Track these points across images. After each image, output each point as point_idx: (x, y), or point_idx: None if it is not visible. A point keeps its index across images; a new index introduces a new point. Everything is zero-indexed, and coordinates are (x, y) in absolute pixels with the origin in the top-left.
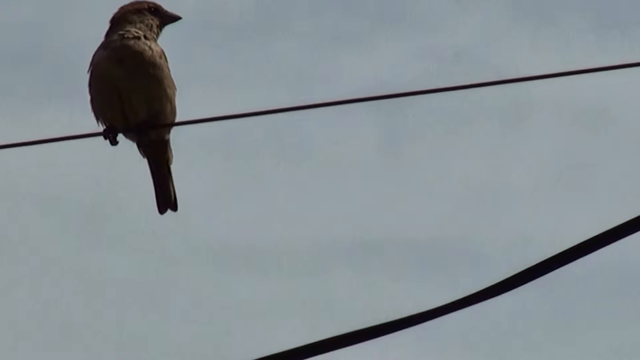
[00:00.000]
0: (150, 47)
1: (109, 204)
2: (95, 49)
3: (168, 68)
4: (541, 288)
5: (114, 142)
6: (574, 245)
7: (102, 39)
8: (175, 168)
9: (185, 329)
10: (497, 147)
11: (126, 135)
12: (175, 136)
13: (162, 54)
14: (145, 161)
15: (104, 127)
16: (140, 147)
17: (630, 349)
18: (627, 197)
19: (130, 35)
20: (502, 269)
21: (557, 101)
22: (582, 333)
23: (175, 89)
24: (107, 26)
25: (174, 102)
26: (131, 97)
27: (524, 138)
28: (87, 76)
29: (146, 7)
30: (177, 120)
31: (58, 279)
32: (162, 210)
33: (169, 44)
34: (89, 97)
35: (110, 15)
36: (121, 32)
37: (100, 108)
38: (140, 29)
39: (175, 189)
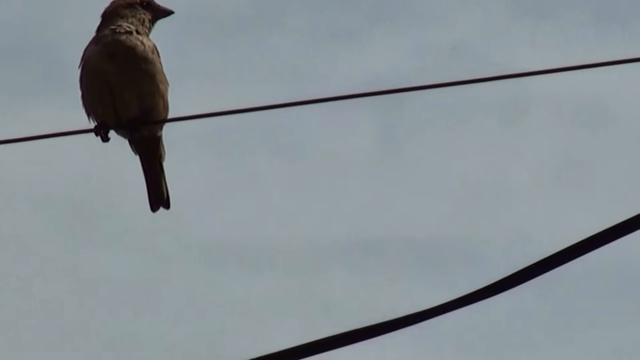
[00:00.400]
0: (142, 42)
1: (100, 201)
2: (86, 43)
3: (160, 63)
4: (540, 287)
5: (105, 139)
6: (573, 244)
7: (93, 33)
8: (168, 165)
9: (178, 329)
10: (495, 144)
11: (118, 132)
12: (168, 133)
13: (155, 49)
14: (137, 158)
15: (95, 123)
16: (132, 143)
17: (630, 349)
18: (628, 194)
19: (122, 30)
20: (500, 268)
21: (556, 97)
22: (582, 333)
23: (168, 84)
24: (98, 21)
25: (167, 98)
26: (123, 92)
27: (523, 135)
28: (78, 72)
29: (138, 1)
30: (170, 116)
31: (48, 277)
32: (154, 208)
33: (161, 38)
34: (79, 93)
35: (102, 10)
36: (113, 27)
37: (91, 104)
38: (132, 23)
39: (168, 186)
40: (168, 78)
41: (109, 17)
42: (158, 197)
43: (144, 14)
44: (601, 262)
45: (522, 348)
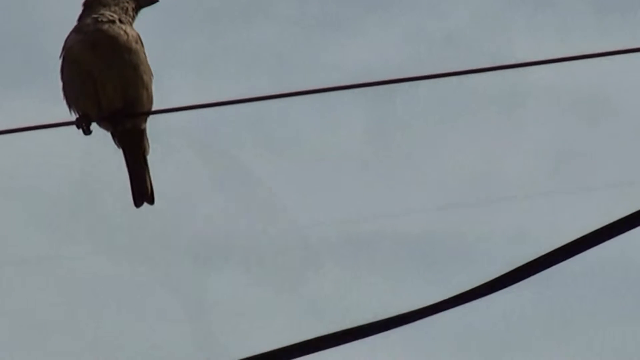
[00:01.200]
0: (125, 32)
1: (81, 196)
2: (67, 33)
3: (144, 53)
4: (538, 285)
5: (87, 132)
6: (572, 241)
7: (74, 22)
8: (152, 159)
9: (163, 328)
10: (491, 137)
11: (100, 124)
12: (152, 125)
13: (138, 39)
14: (120, 151)
15: (77, 115)
16: (115, 136)
17: (630, 348)
18: (628, 190)
19: (105, 19)
20: (497, 266)
21: (554, 89)
22: (581, 332)
23: (152, 75)
24: (80, 9)
25: (151, 89)
26: (105, 83)
27: (520, 127)
28: (59, 62)
29: None
30: (154, 108)
31: (28, 275)
32: (138, 203)
33: (145, 28)
34: (60, 84)
35: None
36: (95, 16)
37: (73, 95)
38: (115, 12)
39: (152, 180)
40: (152, 68)
41: (91, 5)
42: (142, 192)
43: (128, 2)
44: (601, 260)
45: (520, 348)
